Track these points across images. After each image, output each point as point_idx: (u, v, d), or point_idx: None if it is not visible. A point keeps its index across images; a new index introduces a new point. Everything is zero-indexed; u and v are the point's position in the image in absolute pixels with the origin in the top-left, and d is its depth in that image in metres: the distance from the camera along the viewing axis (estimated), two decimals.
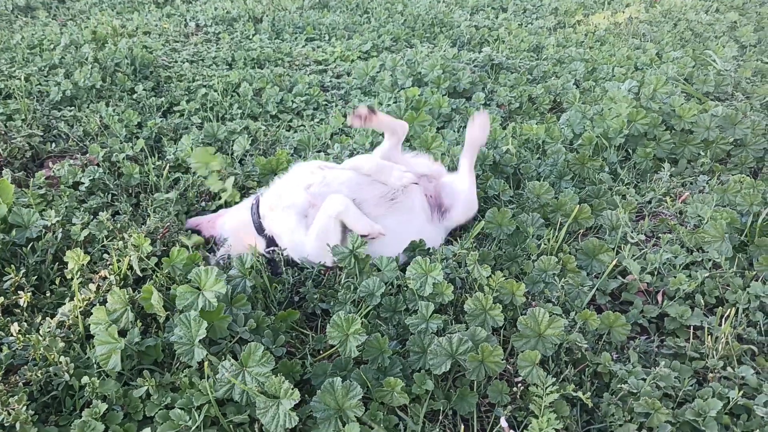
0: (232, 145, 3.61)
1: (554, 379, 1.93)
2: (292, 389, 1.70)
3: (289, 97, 4.46)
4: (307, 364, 2.07)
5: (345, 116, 4.22)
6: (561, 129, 3.86)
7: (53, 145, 3.65)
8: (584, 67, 5.17)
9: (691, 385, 2.07)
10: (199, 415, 1.76)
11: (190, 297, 2.04)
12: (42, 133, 3.73)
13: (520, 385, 2.01)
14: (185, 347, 1.90)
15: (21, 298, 2.17)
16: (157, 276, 2.33)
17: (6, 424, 1.70)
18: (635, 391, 1.99)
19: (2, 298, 2.13)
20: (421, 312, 2.16)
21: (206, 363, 1.82)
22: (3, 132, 3.61)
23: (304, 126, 4.16)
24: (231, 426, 1.81)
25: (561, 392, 1.91)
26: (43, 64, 4.76)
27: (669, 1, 7.95)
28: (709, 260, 2.71)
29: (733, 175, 3.38)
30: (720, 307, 2.43)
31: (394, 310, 2.30)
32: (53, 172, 3.25)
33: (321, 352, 2.20)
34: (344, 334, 1.98)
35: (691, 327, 2.38)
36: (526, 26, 6.82)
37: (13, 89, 4.23)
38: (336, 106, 4.53)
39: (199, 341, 1.89)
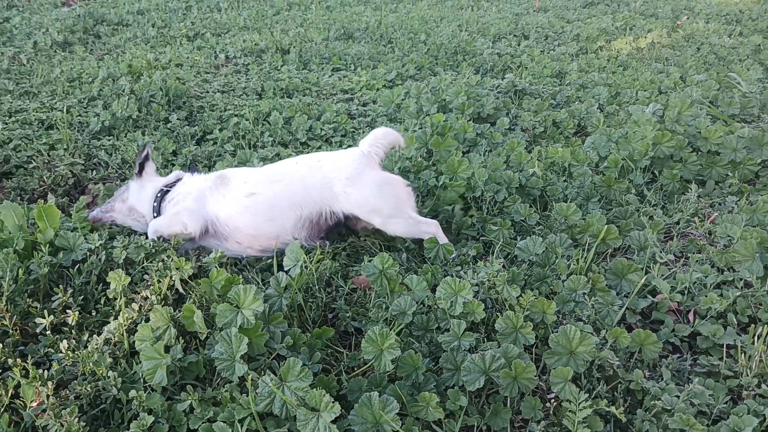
0: None
1: (587, 396, 1.95)
2: (333, 402, 1.75)
3: (318, 124, 4.59)
4: (343, 380, 2.12)
5: None
6: (586, 152, 3.90)
7: (94, 172, 3.81)
8: (607, 91, 5.23)
9: (726, 403, 2.07)
10: (241, 428, 1.82)
11: (229, 315, 2.12)
12: (83, 162, 3.90)
13: (553, 401, 2.03)
14: (226, 363, 1.97)
15: (69, 316, 2.26)
16: (195, 295, 2.42)
17: None
18: (669, 407, 1.99)
19: (52, 317, 2.22)
20: (453, 330, 2.20)
21: (249, 377, 1.88)
22: (47, 161, 3.78)
23: None
24: None
25: (594, 408, 1.92)
26: (82, 96, 4.98)
27: (692, 25, 8.00)
28: (740, 279, 2.72)
29: (762, 195, 3.38)
30: (753, 326, 2.43)
31: (426, 329, 2.35)
32: (92, 193, 3.42)
33: (355, 369, 2.25)
34: (379, 349, 2.03)
35: (724, 345, 2.38)
36: (548, 53, 6.91)
37: (55, 120, 4.44)
38: (363, 132, 4.63)
39: (240, 357, 1.96)
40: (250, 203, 2.93)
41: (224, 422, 1.85)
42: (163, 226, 2.95)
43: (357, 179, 2.94)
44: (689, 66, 6.18)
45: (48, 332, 2.21)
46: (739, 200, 3.45)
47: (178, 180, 3.18)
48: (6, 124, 4.36)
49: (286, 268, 2.46)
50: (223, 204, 2.96)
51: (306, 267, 2.58)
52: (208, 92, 5.41)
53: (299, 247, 2.53)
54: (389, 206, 2.94)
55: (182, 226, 2.91)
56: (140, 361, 2.02)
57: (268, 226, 2.92)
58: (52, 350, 2.17)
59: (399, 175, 3.22)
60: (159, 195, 3.11)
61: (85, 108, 4.83)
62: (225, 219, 2.94)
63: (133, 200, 3.16)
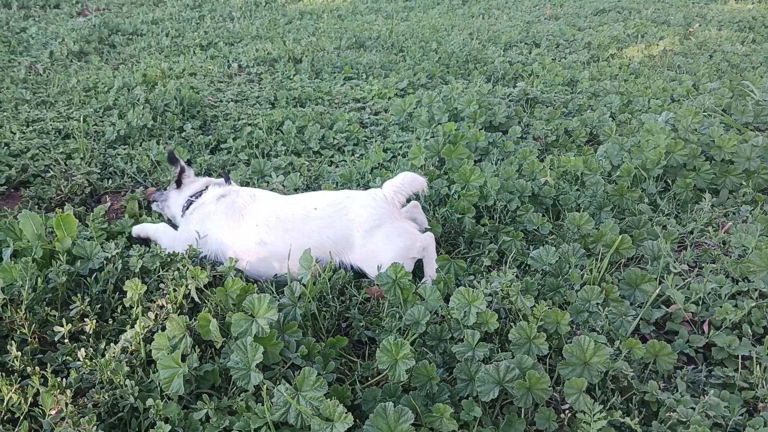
0: (284, 182, 3.74)
1: (601, 407, 1.95)
2: (346, 413, 1.76)
3: (331, 133, 4.62)
4: (357, 390, 2.13)
5: (385, 151, 4.35)
6: (599, 161, 3.90)
7: (110, 181, 3.86)
8: (619, 99, 5.22)
9: (741, 415, 2.06)
10: None
11: (244, 324, 2.14)
12: (99, 171, 3.94)
13: (567, 412, 2.03)
14: (242, 372, 1.99)
15: (86, 325, 2.29)
16: (210, 304, 2.44)
17: None
18: (685, 419, 1.99)
19: (69, 325, 2.25)
20: (467, 340, 2.21)
21: (264, 387, 1.90)
22: (64, 170, 3.83)
23: (346, 161, 4.30)
24: None
25: (609, 419, 1.92)
26: (98, 106, 5.05)
27: (704, 33, 7.97)
28: (756, 290, 2.70)
29: None
30: None
31: (440, 339, 2.35)
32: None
33: (369, 378, 2.26)
34: (393, 359, 2.04)
35: (740, 357, 2.37)
36: (559, 61, 6.91)
37: (72, 129, 4.50)
38: (375, 141, 4.66)
39: (255, 366, 1.98)
40: (261, 251, 2.86)
41: (240, 431, 1.87)
42: (169, 240, 3.03)
43: (375, 231, 2.83)
44: (702, 74, 6.16)
45: (66, 340, 2.24)
46: (753, 210, 3.43)
47: (204, 190, 3.22)
48: (24, 133, 4.42)
49: (298, 277, 2.48)
50: (230, 240, 2.91)
51: (320, 276, 2.60)
52: (221, 101, 5.46)
53: (309, 254, 2.54)
54: (397, 257, 2.81)
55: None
56: (157, 370, 2.04)
57: (275, 270, 2.87)
58: (70, 358, 2.20)
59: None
60: (185, 205, 3.20)
61: (101, 117, 4.89)
62: (229, 255, 2.89)
63: (173, 210, 3.33)
